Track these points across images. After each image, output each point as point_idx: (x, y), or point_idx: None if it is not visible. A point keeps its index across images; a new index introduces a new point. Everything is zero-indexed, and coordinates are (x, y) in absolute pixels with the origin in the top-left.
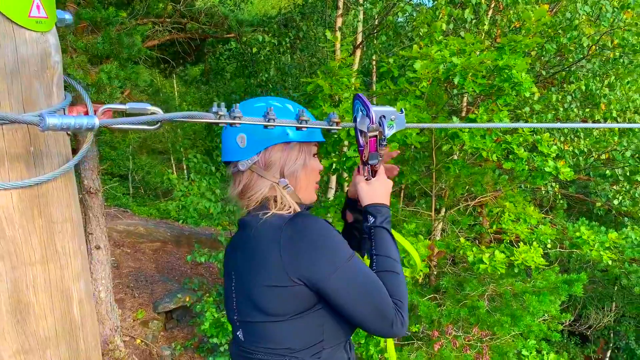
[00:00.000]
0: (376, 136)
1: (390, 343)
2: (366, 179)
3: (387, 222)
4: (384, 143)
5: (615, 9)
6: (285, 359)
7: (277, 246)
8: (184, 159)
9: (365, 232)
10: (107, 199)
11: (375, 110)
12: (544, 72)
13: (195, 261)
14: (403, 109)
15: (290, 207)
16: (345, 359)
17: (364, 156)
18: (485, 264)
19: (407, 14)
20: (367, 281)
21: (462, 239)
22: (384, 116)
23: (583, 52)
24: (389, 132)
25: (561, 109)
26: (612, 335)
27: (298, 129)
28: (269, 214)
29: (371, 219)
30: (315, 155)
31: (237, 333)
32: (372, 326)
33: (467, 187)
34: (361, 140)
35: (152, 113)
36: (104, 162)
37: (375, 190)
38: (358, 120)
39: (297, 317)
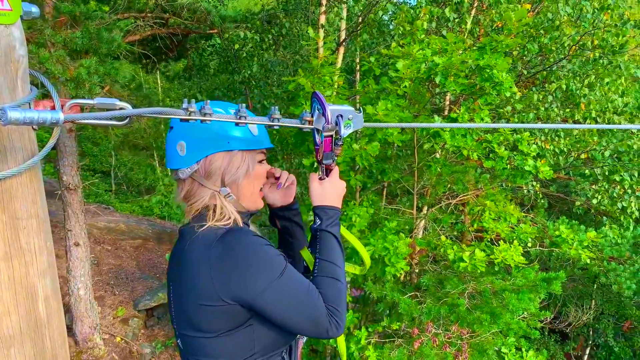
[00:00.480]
0: (332, 136)
1: (341, 339)
2: (320, 179)
3: (333, 225)
4: (340, 143)
5: (596, 10)
6: None
7: (207, 266)
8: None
9: (312, 233)
10: (88, 195)
11: (332, 109)
12: (525, 72)
13: None
14: (361, 109)
15: (229, 217)
16: None
17: (319, 155)
18: (466, 262)
19: (390, 12)
20: (299, 293)
21: (442, 237)
22: (341, 115)
23: (564, 52)
24: (345, 132)
25: (542, 109)
26: (591, 332)
27: (236, 132)
28: (204, 227)
29: (317, 222)
30: (263, 162)
31: (178, 341)
32: (307, 333)
33: (448, 185)
34: (317, 139)
35: (121, 108)
36: (84, 158)
37: (326, 191)
38: (315, 118)
39: (229, 333)
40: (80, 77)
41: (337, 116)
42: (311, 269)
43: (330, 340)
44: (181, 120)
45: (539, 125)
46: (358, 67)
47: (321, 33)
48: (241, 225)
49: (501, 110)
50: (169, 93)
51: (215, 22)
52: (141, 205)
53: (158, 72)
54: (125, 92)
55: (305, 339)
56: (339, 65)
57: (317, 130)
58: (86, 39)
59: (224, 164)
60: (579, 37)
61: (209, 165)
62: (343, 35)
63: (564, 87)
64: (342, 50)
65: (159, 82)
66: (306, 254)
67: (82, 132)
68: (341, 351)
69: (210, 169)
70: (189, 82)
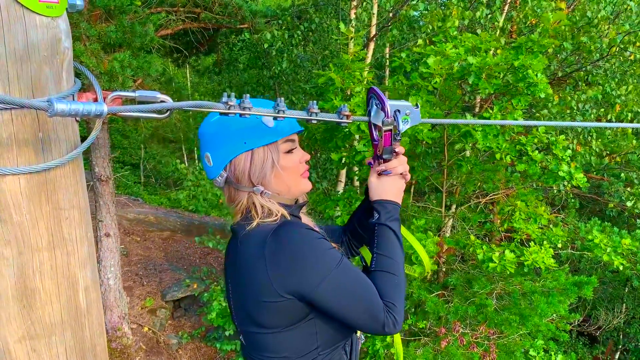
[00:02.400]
0: (391, 130)
1: (398, 338)
2: (378, 175)
3: (392, 220)
4: (399, 138)
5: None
6: None
7: (263, 262)
8: (195, 148)
9: (370, 227)
10: (118, 187)
11: (390, 104)
12: (559, 72)
13: (204, 250)
14: (418, 104)
15: (273, 212)
16: None
17: (379, 150)
18: (495, 262)
19: (419, 10)
20: (355, 286)
21: (472, 237)
22: (398, 110)
23: (603, 51)
24: (403, 127)
25: (575, 110)
26: (621, 336)
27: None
28: (252, 225)
29: (376, 216)
30: (292, 151)
31: (240, 337)
32: (365, 328)
33: (478, 183)
34: (375, 134)
35: (162, 101)
36: (115, 150)
37: (385, 186)
38: (372, 114)
39: (291, 328)
40: (113, 70)
41: (395, 111)
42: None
43: (387, 338)
44: (220, 113)
45: (572, 123)
46: (387, 63)
47: (352, 28)
48: (289, 219)
49: (537, 115)
50: (198, 87)
51: (246, 16)
52: (169, 197)
53: (188, 66)
54: (156, 86)
55: (362, 340)
56: (368, 60)
57: (375, 125)
58: (120, 32)
59: (246, 164)
60: (622, 37)
61: (234, 169)
62: (373, 31)
63: (607, 89)
64: (372, 46)
65: (188, 76)
66: (365, 251)
67: (113, 125)
68: (398, 351)
69: (236, 172)
70: (218, 77)
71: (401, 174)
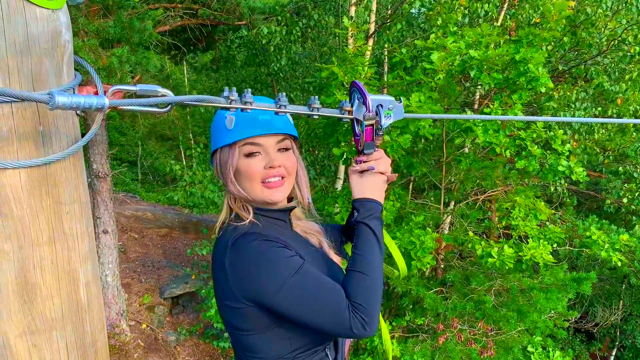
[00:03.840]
0: (372, 125)
1: (386, 335)
2: (361, 172)
3: (371, 218)
4: (381, 133)
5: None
6: None
7: (224, 271)
8: (193, 146)
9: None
10: (115, 184)
11: (373, 98)
12: (560, 67)
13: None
14: (401, 99)
15: (247, 212)
16: None
17: (360, 145)
18: (494, 258)
19: (420, 5)
20: (316, 292)
21: (470, 233)
22: (381, 105)
23: (602, 46)
24: (386, 122)
25: (574, 106)
26: (618, 333)
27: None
28: (227, 227)
29: (355, 214)
30: (253, 155)
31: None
32: (332, 332)
33: (477, 180)
34: (357, 129)
35: (163, 95)
36: (112, 148)
37: (366, 183)
38: (354, 108)
39: (262, 331)
40: (112, 66)
41: (378, 106)
42: None
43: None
44: (222, 108)
45: (571, 118)
46: (386, 60)
47: (354, 23)
48: (252, 228)
49: (542, 106)
50: (196, 85)
51: (244, 13)
52: (166, 194)
53: (185, 63)
54: (154, 82)
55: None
56: (367, 57)
57: (357, 120)
58: (118, 28)
59: (216, 163)
60: (621, 32)
61: (214, 164)
62: (372, 27)
63: (605, 84)
64: (370, 42)
65: (186, 73)
66: (349, 250)
67: (110, 122)
68: (387, 348)
69: (215, 168)
70: (215, 74)
71: (382, 172)
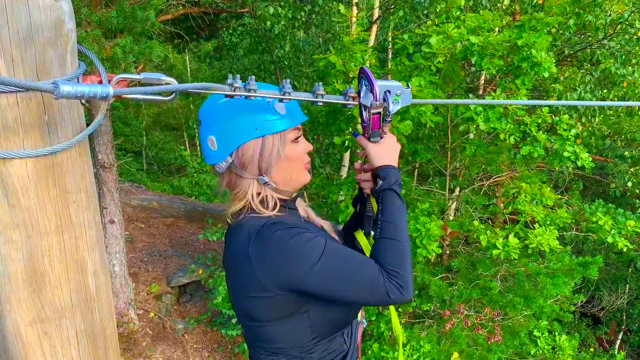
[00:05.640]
0: (380, 113)
1: (394, 316)
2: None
3: (396, 185)
4: (389, 119)
5: None
6: (278, 357)
7: (249, 262)
8: (196, 135)
9: (374, 197)
10: (121, 174)
11: (380, 85)
12: (566, 50)
13: (207, 238)
14: (409, 84)
15: (270, 204)
16: (343, 350)
17: (367, 133)
18: (499, 249)
19: None
20: (346, 267)
21: (475, 222)
22: (389, 91)
23: (607, 30)
24: (394, 108)
25: (579, 90)
26: (624, 317)
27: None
28: (245, 218)
29: (380, 182)
30: (297, 140)
31: (240, 326)
32: (370, 302)
33: (482, 166)
34: (365, 116)
35: (167, 83)
36: (117, 138)
37: (385, 150)
38: (362, 94)
39: (284, 320)
40: (116, 56)
41: (385, 92)
42: (365, 252)
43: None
44: (226, 96)
45: (577, 102)
46: (390, 46)
47: (354, 10)
48: (281, 214)
49: (548, 88)
50: (198, 74)
51: (246, 0)
52: (172, 184)
53: (187, 52)
54: (157, 72)
55: (364, 325)
56: (371, 43)
57: (365, 107)
58: (121, 18)
59: (256, 151)
60: (628, 15)
61: (241, 155)
62: (376, 13)
63: (612, 68)
64: (374, 28)
65: (188, 63)
66: (360, 236)
67: (114, 112)
68: (396, 330)
69: (244, 159)
70: (218, 63)
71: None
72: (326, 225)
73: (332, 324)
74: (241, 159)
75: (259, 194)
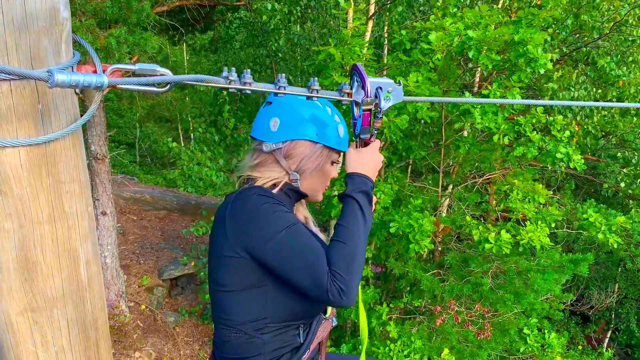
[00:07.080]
0: (370, 110)
1: (362, 312)
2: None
3: (358, 193)
4: (380, 116)
5: None
6: (230, 330)
7: (224, 221)
8: (190, 128)
9: (339, 199)
10: (113, 166)
11: (372, 81)
12: (564, 49)
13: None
14: (400, 82)
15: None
16: (295, 343)
17: (356, 129)
18: (491, 244)
19: None
20: (302, 250)
21: (467, 217)
22: (380, 88)
23: (603, 30)
24: (385, 105)
25: (573, 89)
26: (613, 316)
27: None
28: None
29: (346, 188)
30: (334, 164)
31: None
32: (309, 293)
33: (475, 163)
34: (356, 112)
35: (162, 75)
36: (110, 129)
37: (361, 159)
38: (354, 91)
39: (243, 292)
40: (110, 46)
41: (377, 89)
42: None
43: (383, 316)
44: (220, 88)
45: (571, 102)
46: (386, 42)
47: (352, 2)
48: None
49: (542, 87)
50: (194, 66)
51: None
52: (165, 176)
53: (184, 44)
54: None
55: (334, 324)
56: (367, 38)
57: (356, 103)
58: (116, 8)
59: (305, 152)
60: (625, 14)
61: (292, 148)
62: (372, 9)
63: (608, 67)
64: (370, 24)
65: (185, 55)
66: None
67: (108, 104)
68: (361, 325)
69: (292, 151)
70: (214, 56)
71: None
72: (322, 236)
73: (287, 310)
74: (290, 150)
75: (276, 184)
